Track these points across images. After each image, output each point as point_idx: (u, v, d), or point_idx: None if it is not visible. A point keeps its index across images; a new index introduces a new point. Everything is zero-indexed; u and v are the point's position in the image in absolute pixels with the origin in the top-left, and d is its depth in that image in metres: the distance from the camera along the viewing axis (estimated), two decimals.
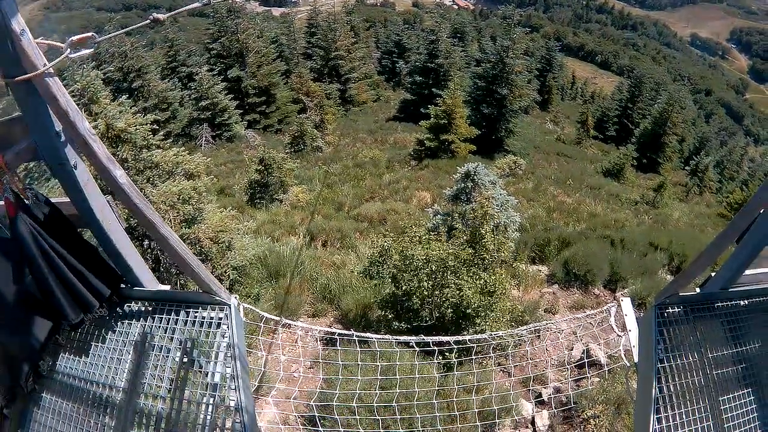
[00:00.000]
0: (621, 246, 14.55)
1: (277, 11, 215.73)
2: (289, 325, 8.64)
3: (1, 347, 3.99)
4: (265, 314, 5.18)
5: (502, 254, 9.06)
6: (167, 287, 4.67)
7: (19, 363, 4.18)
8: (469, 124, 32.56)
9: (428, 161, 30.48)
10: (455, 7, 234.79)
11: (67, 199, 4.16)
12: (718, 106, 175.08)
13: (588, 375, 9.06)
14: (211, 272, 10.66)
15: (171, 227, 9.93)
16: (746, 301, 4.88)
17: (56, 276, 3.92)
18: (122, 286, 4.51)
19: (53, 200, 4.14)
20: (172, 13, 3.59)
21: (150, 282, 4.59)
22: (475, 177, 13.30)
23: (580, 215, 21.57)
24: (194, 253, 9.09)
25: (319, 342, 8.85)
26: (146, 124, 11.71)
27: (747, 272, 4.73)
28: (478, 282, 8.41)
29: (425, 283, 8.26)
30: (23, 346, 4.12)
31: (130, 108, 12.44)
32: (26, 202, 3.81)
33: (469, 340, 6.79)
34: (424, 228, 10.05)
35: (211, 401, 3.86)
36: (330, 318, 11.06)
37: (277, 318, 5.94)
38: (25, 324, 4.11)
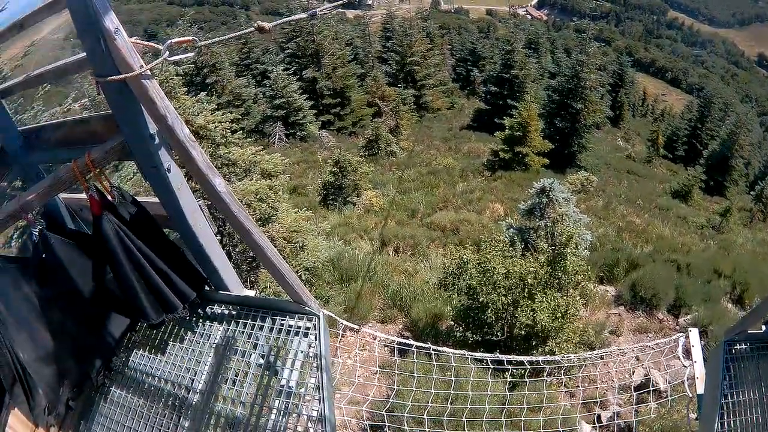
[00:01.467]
0: (687, 271, 14.47)
1: (351, 13, 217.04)
2: (371, 334, 8.69)
3: (75, 342, 4.08)
4: (345, 322, 5.18)
5: (579, 277, 8.97)
6: (252, 292, 4.68)
7: (92, 358, 4.27)
8: (542, 137, 32.46)
9: (502, 172, 30.43)
10: (528, 17, 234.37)
11: (154, 199, 4.18)
12: None
13: (648, 401, 8.98)
14: None
15: None
16: None
17: (140, 276, 3.92)
18: (206, 288, 4.53)
19: (140, 199, 4.17)
20: (278, 22, 3.57)
21: (236, 286, 4.60)
22: (550, 193, 13.26)
23: (649, 236, 21.37)
24: None
25: (387, 349, 8.88)
26: (225, 122, 11.85)
27: None
28: (552, 303, 8.34)
29: (502, 298, 8.21)
30: (98, 341, 4.25)
31: (209, 104, 12.62)
32: (112, 200, 3.82)
33: (542, 361, 6.76)
34: (503, 242, 10.02)
35: (293, 410, 3.86)
36: (399, 325, 11.15)
37: (357, 327, 5.95)
38: (101, 321, 4.24)
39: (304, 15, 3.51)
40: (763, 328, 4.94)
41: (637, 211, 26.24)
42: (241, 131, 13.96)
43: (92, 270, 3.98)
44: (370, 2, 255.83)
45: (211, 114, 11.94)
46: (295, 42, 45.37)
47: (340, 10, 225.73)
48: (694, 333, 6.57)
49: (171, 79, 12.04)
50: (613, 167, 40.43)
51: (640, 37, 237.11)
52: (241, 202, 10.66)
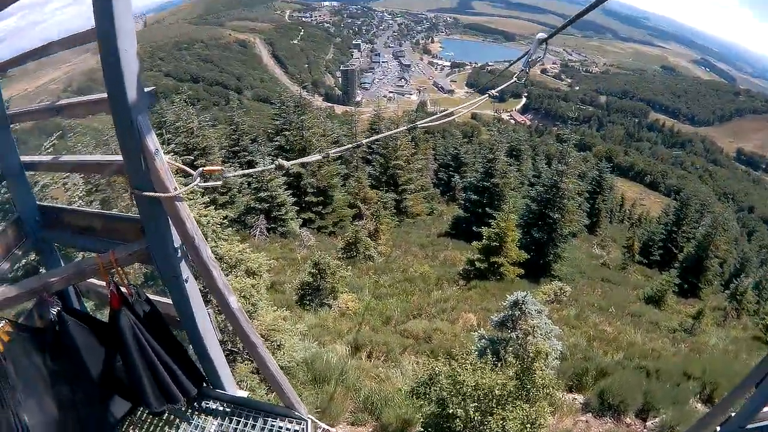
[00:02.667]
0: (656, 376, 14.59)
1: (339, 108, 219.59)
2: None
3: (78, 416, 4.31)
4: (324, 426, 5.47)
5: (548, 389, 9.24)
6: (246, 393, 5.04)
7: None
8: (519, 247, 32.45)
9: (477, 282, 30.28)
10: (512, 121, 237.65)
11: (164, 300, 4.59)
12: (761, 223, 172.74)
13: None
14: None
15: None
16: None
17: (148, 367, 4.22)
18: (205, 384, 4.88)
19: (153, 298, 4.57)
20: (296, 161, 4.01)
21: (231, 386, 4.97)
22: (523, 306, 13.43)
23: (620, 344, 21.25)
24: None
25: None
26: (217, 218, 12.19)
27: (765, 409, 5.09)
28: (521, 413, 8.58)
29: (471, 409, 8.47)
30: (100, 419, 4.48)
31: (202, 196, 12.96)
32: (129, 298, 4.21)
33: None
34: (474, 354, 10.24)
35: None
36: (369, 428, 11.22)
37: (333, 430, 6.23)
38: (105, 401, 4.47)
39: (318, 156, 3.96)
40: (718, 429, 5.37)
41: (609, 319, 26.07)
42: (229, 228, 14.23)
43: (104, 356, 4.28)
44: (358, 99, 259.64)
45: (205, 208, 12.29)
46: (284, 135, 45.47)
47: (329, 104, 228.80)
48: None
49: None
50: (587, 275, 40.44)
51: (620, 140, 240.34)
52: None
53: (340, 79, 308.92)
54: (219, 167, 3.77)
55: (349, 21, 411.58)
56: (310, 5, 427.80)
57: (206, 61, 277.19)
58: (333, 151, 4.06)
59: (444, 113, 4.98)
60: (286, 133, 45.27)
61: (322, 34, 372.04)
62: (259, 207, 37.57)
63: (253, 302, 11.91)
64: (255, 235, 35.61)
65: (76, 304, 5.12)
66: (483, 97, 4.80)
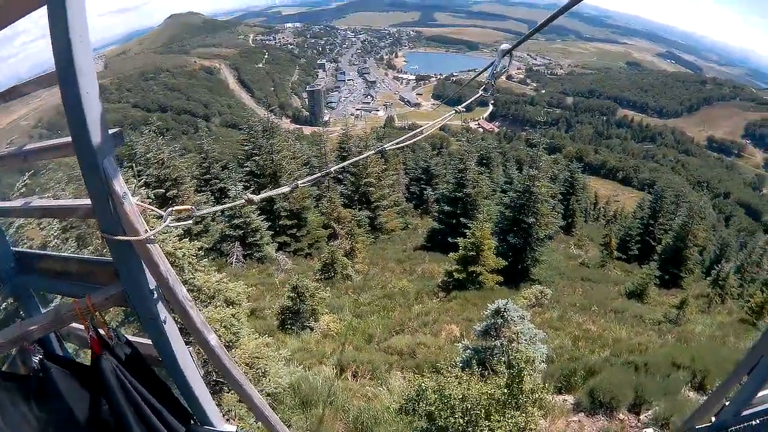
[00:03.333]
0: (645, 370, 14.53)
1: (307, 129, 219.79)
2: None
3: None
4: None
5: (537, 395, 9.23)
6: (233, 428, 5.02)
7: None
8: (496, 255, 32.58)
9: (456, 293, 30.22)
10: (481, 129, 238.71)
11: (144, 340, 4.57)
12: (737, 207, 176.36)
13: None
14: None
15: None
16: (758, 421, 5.24)
17: (134, 411, 4.15)
18: (192, 422, 4.86)
19: (133, 339, 4.55)
20: (264, 195, 4.02)
21: (219, 422, 4.93)
22: (504, 313, 13.41)
23: (605, 341, 21.25)
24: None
25: None
26: (192, 250, 12.16)
27: (760, 394, 5.13)
28: (511, 421, 8.59)
29: (460, 420, 8.47)
30: None
31: (175, 229, 12.91)
32: (110, 342, 4.19)
33: None
34: (459, 367, 10.23)
35: None
36: None
37: None
38: None
39: (287, 188, 3.97)
40: (713, 419, 5.41)
41: (592, 318, 26.17)
42: (205, 258, 14.17)
43: (89, 401, 4.22)
44: (326, 118, 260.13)
45: (179, 240, 12.25)
46: (253, 160, 45.36)
47: (297, 126, 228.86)
48: None
49: (139, 193, 12.33)
50: (567, 276, 40.50)
51: (590, 139, 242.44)
52: None
53: (306, 100, 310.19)
54: (188, 207, 3.76)
55: (313, 41, 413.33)
56: (273, 28, 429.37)
57: (173, 90, 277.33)
58: (302, 181, 4.06)
59: (412, 134, 4.99)
60: (256, 158, 45.23)
61: (287, 56, 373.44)
62: (234, 234, 37.49)
63: (234, 331, 11.89)
64: (232, 263, 35.49)
65: (58, 349, 5.03)
66: (450, 113, 4.82)
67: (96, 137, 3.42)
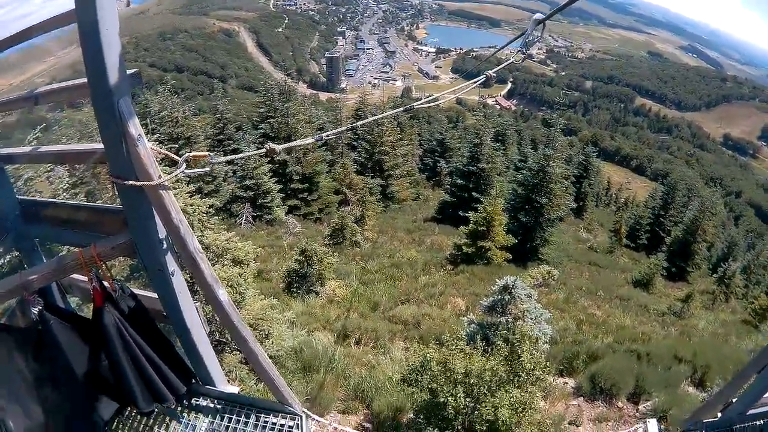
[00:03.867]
0: (647, 360, 14.48)
1: (324, 95, 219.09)
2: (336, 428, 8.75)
3: (65, 419, 4.22)
4: (317, 417, 5.37)
5: (537, 372, 9.11)
6: (236, 389, 4.93)
7: None
8: (506, 232, 32.36)
9: (464, 266, 30.09)
10: (498, 106, 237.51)
11: (149, 294, 4.45)
12: (748, 208, 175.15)
13: None
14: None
15: None
16: (762, 421, 5.16)
17: (134, 366, 4.11)
18: (194, 382, 4.76)
19: (138, 293, 4.43)
20: (287, 145, 3.87)
21: (222, 382, 4.86)
22: (512, 290, 13.40)
23: (609, 327, 21.22)
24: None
25: None
26: (203, 207, 12.07)
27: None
28: (513, 400, 8.57)
29: (461, 396, 8.49)
30: (88, 421, 4.35)
31: (188, 185, 12.79)
32: (113, 294, 4.07)
33: None
34: (464, 340, 10.11)
35: None
36: (360, 416, 11.16)
37: (327, 422, 6.13)
38: (92, 402, 4.33)
39: (311, 140, 3.83)
40: (719, 415, 5.32)
41: (598, 303, 26.19)
42: (215, 216, 14.09)
43: (88, 355, 4.15)
44: (343, 86, 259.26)
45: (190, 197, 12.16)
46: (268, 122, 45.22)
47: (314, 91, 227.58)
48: (652, 424, 6.90)
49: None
50: (575, 259, 40.56)
51: (607, 125, 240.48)
52: None
53: (324, 66, 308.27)
54: (205, 153, 3.64)
55: (334, 8, 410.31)
56: None
57: (191, 51, 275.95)
58: (327, 134, 3.92)
59: (441, 94, 4.85)
60: (271, 120, 45.11)
61: (307, 21, 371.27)
62: (245, 195, 37.54)
63: (240, 291, 11.83)
64: (241, 224, 35.52)
65: (60, 302, 4.94)
66: (481, 77, 4.69)
67: (113, 76, 3.29)
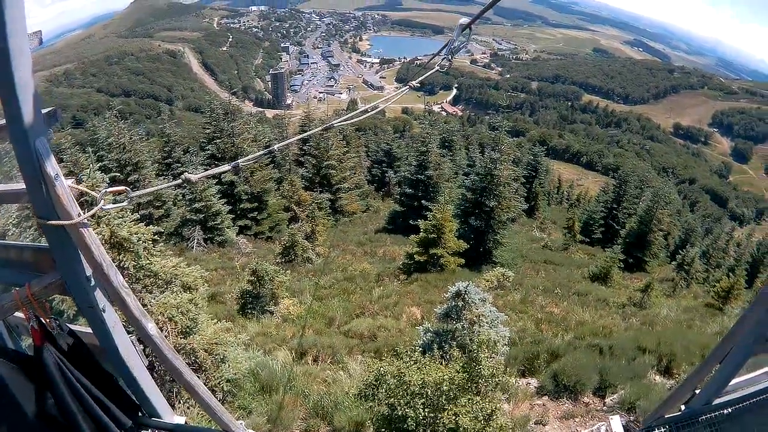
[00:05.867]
0: (609, 353, 14.58)
1: (270, 112, 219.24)
2: None
3: None
4: None
5: (497, 379, 9.10)
6: (183, 419, 4.88)
7: None
8: (457, 237, 32.33)
9: (417, 275, 30.09)
10: (444, 113, 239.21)
11: (87, 329, 4.39)
12: (702, 194, 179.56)
13: None
14: (206, 383, 10.82)
15: (168, 338, 10.12)
16: (730, 409, 5.18)
17: (79, 404, 4.04)
18: (140, 414, 4.70)
19: (75, 329, 4.37)
20: (202, 175, 3.86)
21: (167, 413, 4.82)
22: (465, 296, 13.32)
23: (569, 324, 21.23)
24: (189, 364, 9.29)
25: None
26: (148, 234, 11.95)
27: (733, 382, 5.08)
28: (473, 407, 8.48)
29: (420, 409, 8.40)
30: None
31: (132, 213, 12.66)
32: (52, 331, 4.01)
33: None
34: (419, 351, 10.09)
35: None
36: None
37: None
38: None
39: (227, 167, 3.80)
40: (683, 408, 5.33)
41: (555, 301, 26.01)
42: (162, 242, 13.96)
43: (34, 394, 4.05)
44: (289, 102, 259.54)
45: (134, 225, 12.03)
46: (214, 143, 45.11)
47: (260, 109, 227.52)
48: (615, 420, 6.92)
49: (99, 185, 12.08)
50: (529, 259, 40.68)
51: (554, 124, 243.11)
52: (164, 315, 10.75)
53: (269, 83, 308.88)
54: (122, 188, 3.63)
55: (277, 24, 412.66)
56: (238, 11, 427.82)
57: (137, 74, 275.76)
58: (242, 160, 3.91)
59: (362, 109, 4.86)
60: (217, 141, 45.13)
61: (251, 39, 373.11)
62: (195, 218, 37.36)
63: (191, 317, 11.70)
64: (192, 247, 35.33)
65: (9, 341, 4.95)
66: (404, 89, 4.69)
67: (28, 117, 3.29)
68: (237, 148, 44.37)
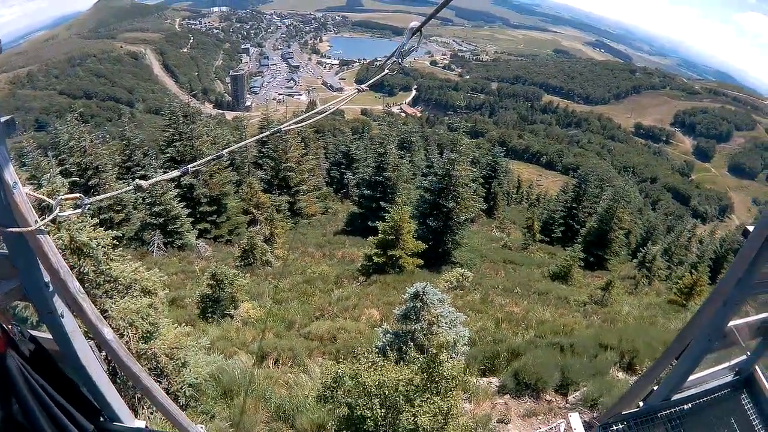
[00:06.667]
0: (571, 351, 14.71)
1: (230, 114, 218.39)
2: None
3: None
4: None
5: (457, 380, 9.16)
6: (143, 423, 4.91)
7: None
8: (416, 238, 32.63)
9: (376, 277, 30.32)
10: (403, 114, 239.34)
11: (48, 335, 4.42)
12: (664, 192, 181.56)
13: None
14: (168, 388, 10.81)
15: (129, 343, 10.10)
16: (690, 405, 5.30)
17: (42, 409, 4.06)
18: (101, 419, 4.73)
19: (37, 335, 4.40)
20: (153, 181, 3.90)
21: (128, 418, 4.84)
22: (423, 297, 13.34)
23: (529, 323, 21.45)
24: (150, 369, 9.30)
25: None
26: (107, 239, 11.89)
27: (690, 378, 5.17)
28: (432, 407, 8.57)
29: (378, 409, 8.53)
30: None
31: (92, 218, 12.59)
32: (14, 338, 4.04)
33: None
34: (375, 352, 10.13)
35: None
36: None
37: None
38: None
39: (177, 173, 3.85)
40: (641, 404, 5.43)
41: (515, 300, 26.33)
42: (122, 246, 13.94)
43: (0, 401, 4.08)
44: (249, 103, 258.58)
45: (94, 230, 11.98)
46: (174, 146, 44.92)
47: (220, 111, 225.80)
48: (574, 418, 7.00)
49: (59, 190, 11.99)
50: (489, 259, 40.93)
51: (514, 125, 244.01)
52: (124, 320, 10.72)
53: (229, 85, 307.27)
54: (77, 195, 3.64)
55: (238, 26, 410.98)
56: (200, 12, 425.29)
57: (99, 76, 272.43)
58: (192, 166, 3.95)
59: (314, 112, 4.93)
60: (177, 143, 44.97)
61: (212, 40, 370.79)
62: (155, 222, 37.21)
63: (151, 322, 11.66)
64: (153, 251, 35.14)
65: None
66: (353, 93, 4.74)
67: None
68: (196, 150, 44.27)
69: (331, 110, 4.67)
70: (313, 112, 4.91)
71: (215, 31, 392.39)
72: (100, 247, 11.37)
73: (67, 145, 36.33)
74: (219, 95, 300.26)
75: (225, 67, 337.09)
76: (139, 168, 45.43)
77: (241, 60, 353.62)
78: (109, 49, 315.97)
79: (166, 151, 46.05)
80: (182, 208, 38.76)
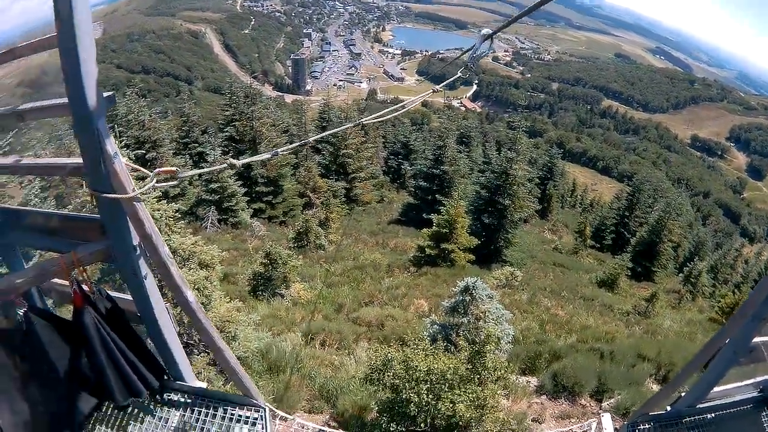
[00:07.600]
0: (610, 358, 14.66)
1: (289, 98, 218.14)
2: (301, 424, 8.88)
3: (48, 413, 4.40)
4: (280, 413, 5.62)
5: (499, 372, 9.28)
6: (204, 384, 5.20)
7: (62, 429, 4.57)
8: (469, 233, 32.34)
9: (427, 268, 30.21)
10: (463, 108, 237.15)
11: (123, 296, 4.73)
12: (716, 208, 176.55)
13: None
14: (214, 361, 11.09)
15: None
16: (713, 414, 5.44)
17: (112, 363, 4.34)
18: (166, 377, 5.03)
19: (113, 295, 4.71)
20: (246, 160, 4.16)
21: (191, 378, 5.12)
22: (473, 291, 13.60)
23: (572, 327, 21.28)
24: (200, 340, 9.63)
25: None
26: (169, 212, 12.21)
27: (716, 389, 5.32)
28: (471, 396, 8.80)
29: (424, 394, 8.69)
30: (69, 415, 4.54)
31: (155, 190, 12.84)
32: (91, 296, 4.34)
33: None
34: (426, 340, 10.25)
35: None
36: (326, 415, 11.34)
37: (291, 417, 6.38)
38: (73, 397, 4.52)
39: (268, 155, 4.11)
40: (668, 408, 5.61)
41: (561, 303, 26.13)
42: (181, 220, 14.20)
43: (70, 354, 4.37)
44: (309, 88, 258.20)
45: (157, 202, 12.31)
46: (233, 126, 45.25)
47: (279, 93, 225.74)
48: (606, 418, 7.18)
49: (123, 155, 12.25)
50: (539, 260, 40.56)
51: (573, 127, 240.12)
52: None
53: (290, 68, 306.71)
54: (173, 168, 3.91)
55: (301, 10, 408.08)
56: None
57: (158, 52, 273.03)
58: (282, 150, 4.22)
59: (392, 108, 5.12)
60: (236, 123, 45.19)
61: (273, 23, 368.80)
62: (210, 198, 37.46)
63: (206, 294, 11.96)
64: (206, 227, 35.41)
65: (39, 303, 5.20)
66: (428, 92, 4.95)
67: (92, 100, 3.60)
68: (256, 131, 44.45)
69: (410, 107, 4.85)
70: (392, 108, 5.10)
71: (277, 14, 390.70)
72: (163, 218, 11.69)
73: (125, 119, 36.61)
74: (279, 78, 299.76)
75: (286, 50, 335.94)
76: (197, 145, 45.72)
77: (302, 44, 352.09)
78: (169, 26, 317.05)
79: (225, 129, 46.48)
80: (239, 186, 38.98)
